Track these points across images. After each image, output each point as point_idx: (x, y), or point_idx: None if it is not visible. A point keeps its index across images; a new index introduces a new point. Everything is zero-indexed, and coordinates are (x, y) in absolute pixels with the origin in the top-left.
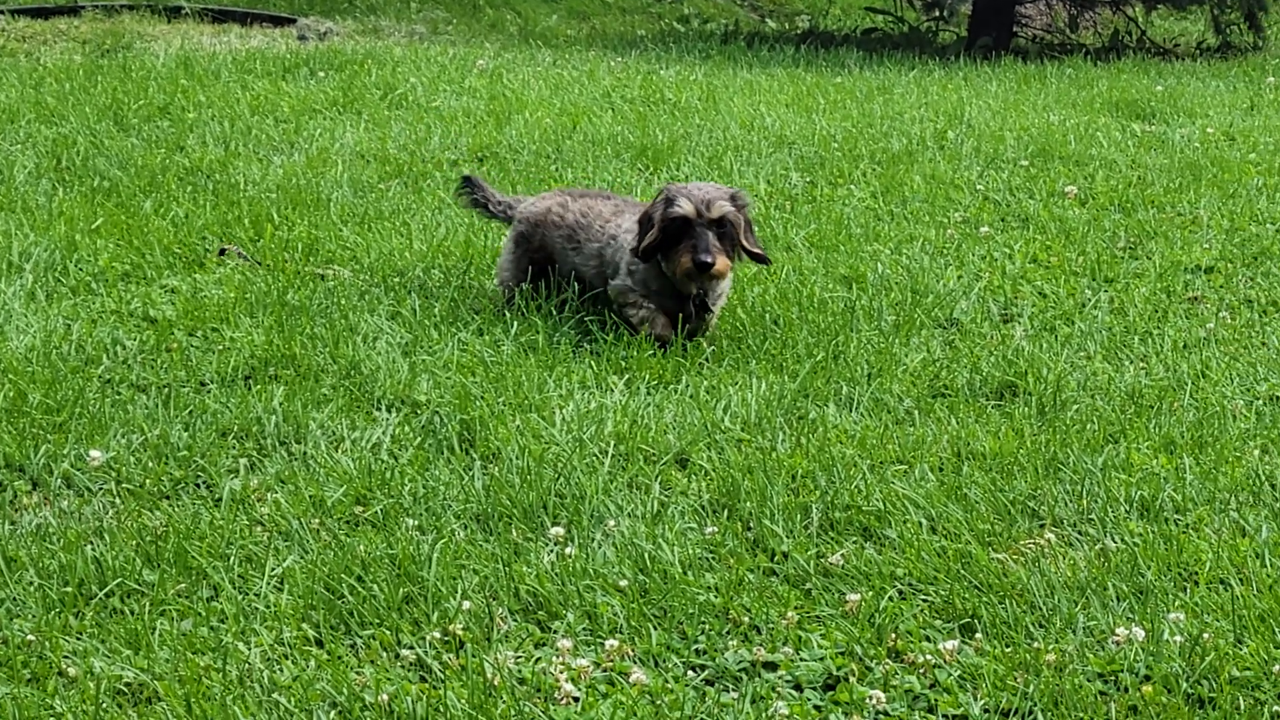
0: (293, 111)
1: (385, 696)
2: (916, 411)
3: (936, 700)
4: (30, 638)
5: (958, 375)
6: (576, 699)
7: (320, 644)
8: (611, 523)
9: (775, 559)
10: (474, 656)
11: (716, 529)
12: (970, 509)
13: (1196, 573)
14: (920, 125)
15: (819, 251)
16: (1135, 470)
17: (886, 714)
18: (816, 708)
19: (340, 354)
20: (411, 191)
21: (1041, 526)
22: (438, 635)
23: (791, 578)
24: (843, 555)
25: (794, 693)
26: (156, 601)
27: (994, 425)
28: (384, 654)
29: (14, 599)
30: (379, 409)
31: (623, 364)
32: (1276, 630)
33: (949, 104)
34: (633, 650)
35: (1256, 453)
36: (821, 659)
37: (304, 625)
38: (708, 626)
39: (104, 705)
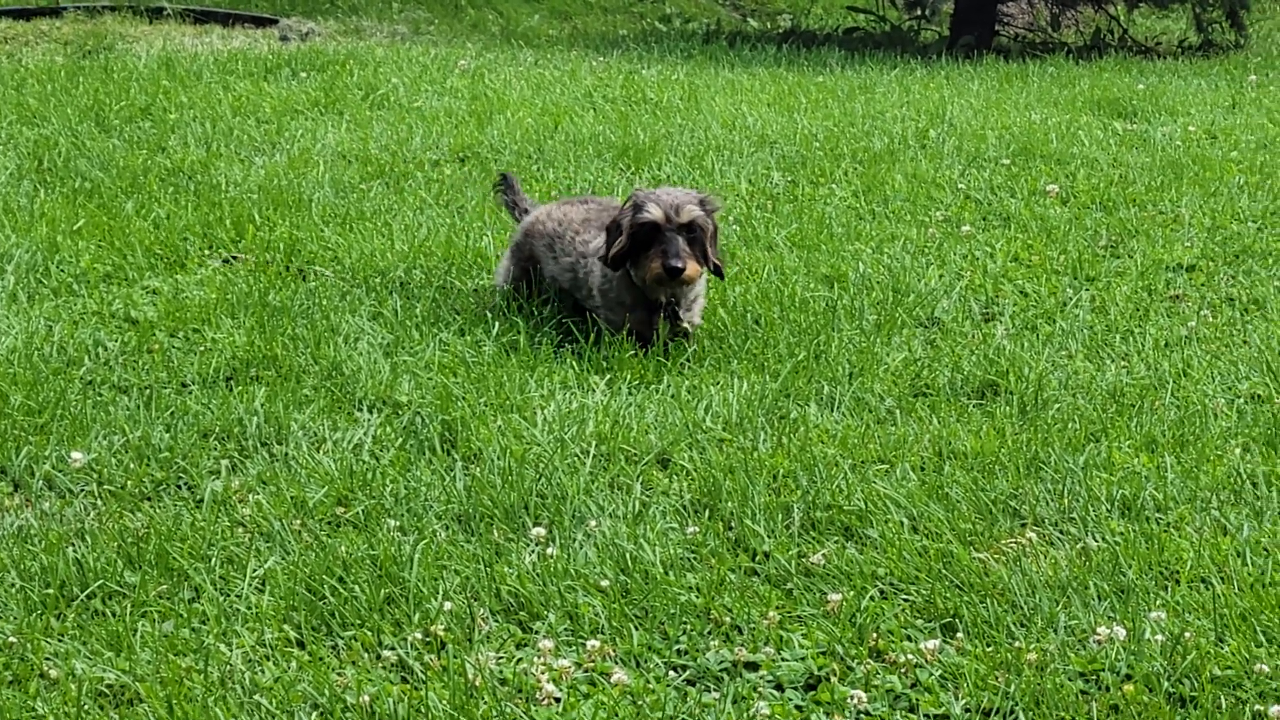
0: (274, 112)
1: (367, 697)
2: (898, 411)
3: (918, 700)
4: (11, 639)
5: (939, 374)
6: (558, 699)
7: (302, 645)
8: (593, 523)
9: (757, 559)
10: (455, 657)
11: (698, 529)
12: (952, 508)
13: (1178, 571)
14: (902, 124)
15: (800, 251)
16: (1117, 469)
17: (868, 714)
18: (798, 708)
19: (322, 355)
20: (393, 192)
21: (1023, 526)
22: (419, 636)
23: (773, 578)
24: (824, 555)
25: (775, 693)
26: (138, 603)
27: (975, 424)
28: (365, 655)
29: None
30: (360, 410)
31: (604, 364)
32: (1258, 629)
33: (931, 103)
34: (614, 650)
35: (1238, 451)
36: (803, 659)
37: (285, 626)
38: (689, 627)
39: (86, 707)
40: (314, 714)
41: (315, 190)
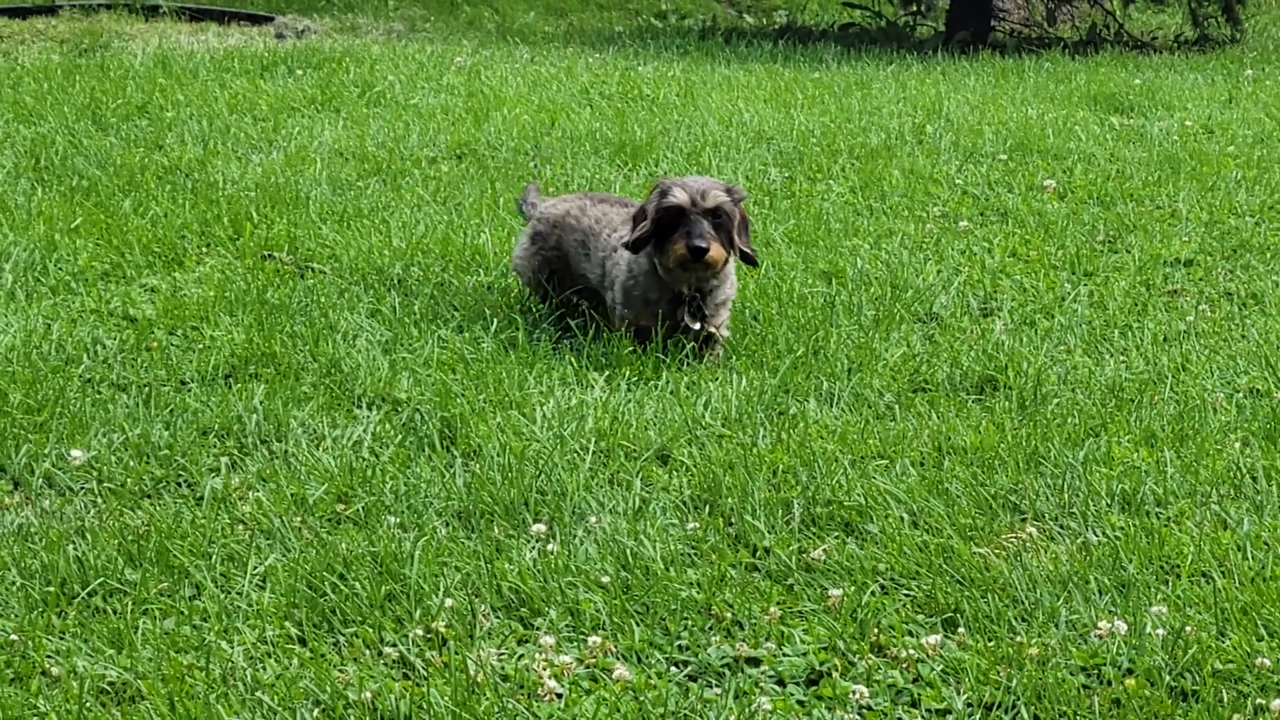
0: (271, 110)
1: (368, 694)
2: (897, 406)
3: (919, 695)
4: (13, 637)
5: (938, 370)
6: (560, 695)
7: (303, 642)
8: (593, 519)
9: (757, 554)
10: (457, 654)
11: (698, 525)
12: (951, 503)
13: (1178, 566)
14: (898, 120)
15: (798, 247)
16: (1116, 464)
17: (870, 709)
18: (800, 703)
19: (320, 352)
20: (390, 189)
21: (1023, 520)
22: (420, 633)
23: (774, 573)
24: (825, 550)
25: (777, 688)
26: (139, 600)
27: (975, 419)
28: (367, 652)
29: None
30: (360, 407)
31: (603, 360)
32: (1259, 623)
33: (927, 99)
34: (615, 646)
35: (1237, 445)
36: (804, 654)
37: (286, 623)
38: (690, 622)
39: (87, 705)
40: (316, 711)
41: (312, 188)
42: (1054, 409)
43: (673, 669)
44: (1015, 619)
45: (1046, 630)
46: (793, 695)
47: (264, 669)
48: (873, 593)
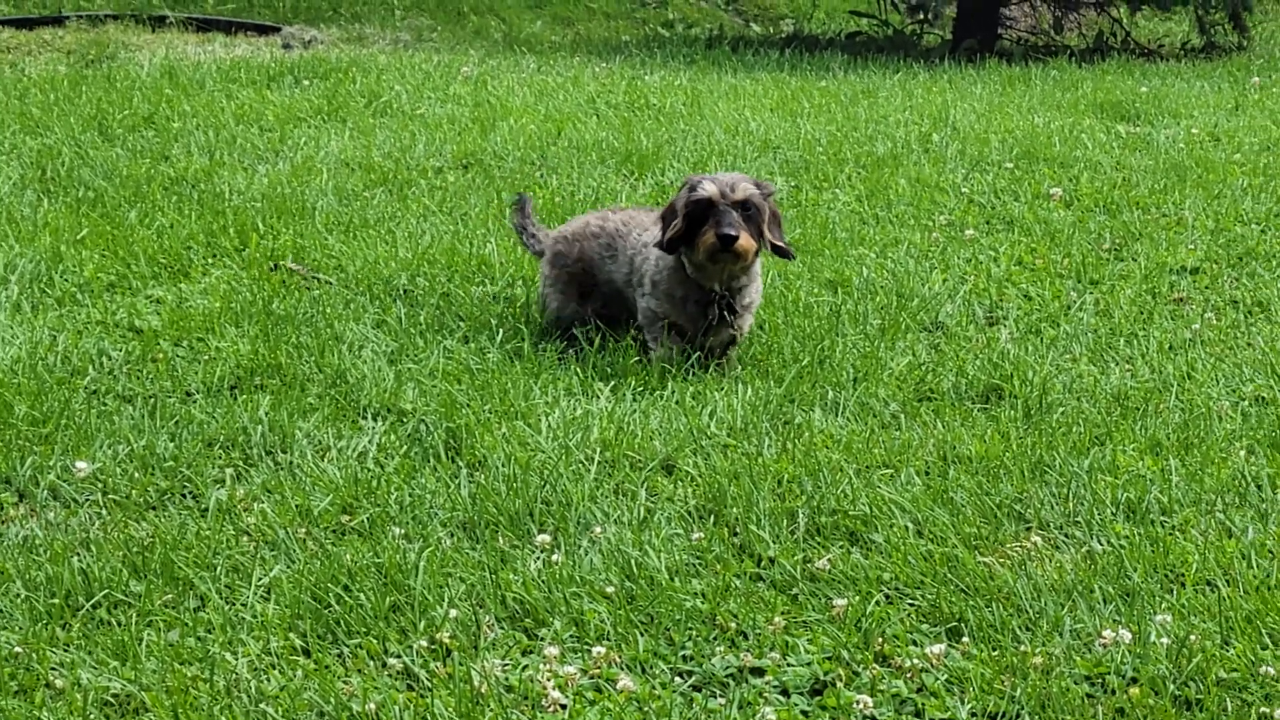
0: (277, 120)
1: (373, 706)
2: (902, 415)
3: (924, 704)
4: (17, 649)
5: (943, 379)
6: (564, 706)
7: (307, 653)
8: (598, 529)
9: (762, 564)
10: (461, 665)
11: (703, 535)
12: (956, 513)
13: (1183, 574)
14: (905, 128)
15: (804, 256)
16: (1121, 472)
17: (874, 719)
18: (804, 713)
19: (326, 363)
20: (396, 199)
21: (1028, 529)
22: (425, 644)
23: (778, 583)
24: (829, 560)
25: (781, 698)
26: (143, 612)
27: (980, 429)
28: (371, 663)
29: (1, 611)
30: (365, 417)
31: (608, 370)
32: (1263, 631)
33: (934, 107)
34: (620, 657)
35: (1242, 454)
36: (808, 664)
37: (291, 635)
38: (695, 632)
39: (92, 717)
40: None
41: (319, 198)
42: (1059, 418)
43: (677, 679)
44: (1020, 628)
45: (1051, 639)
46: (797, 705)
47: (268, 680)
48: (877, 602)
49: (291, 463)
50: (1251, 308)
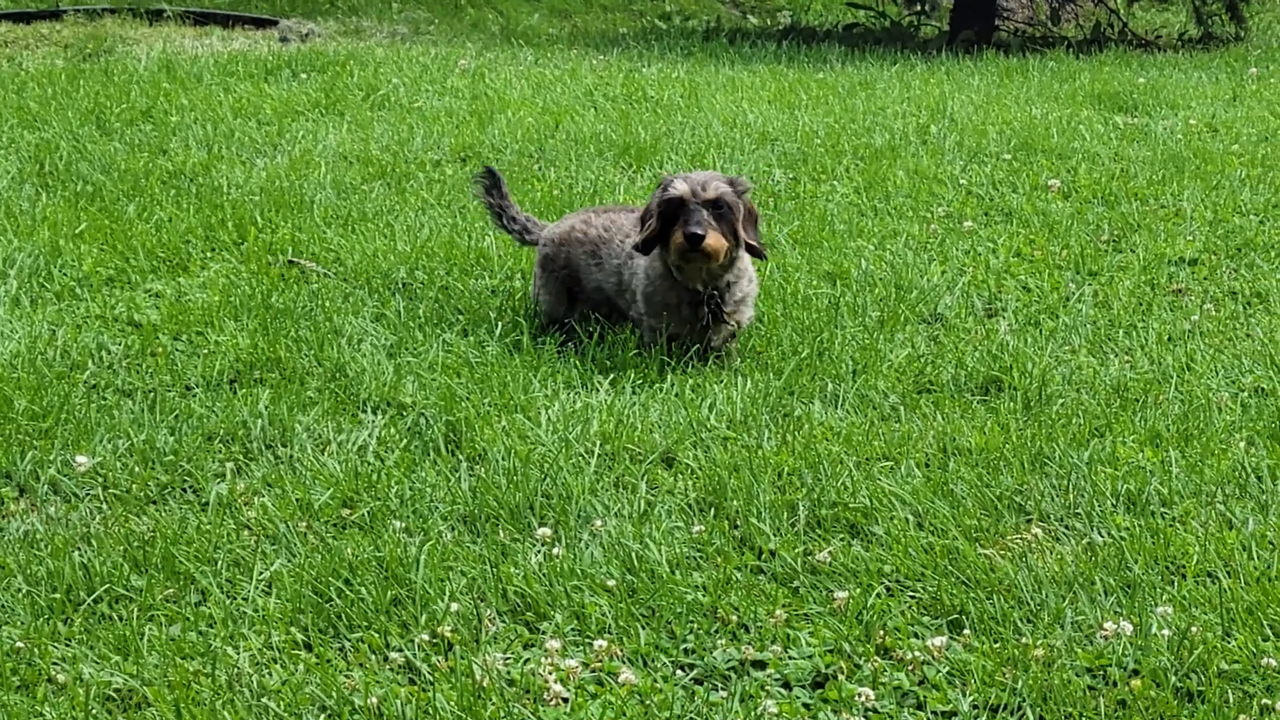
0: (275, 113)
1: (374, 699)
2: (902, 407)
3: (925, 697)
4: (19, 644)
5: (943, 370)
6: (566, 700)
7: (309, 647)
8: (598, 522)
9: (762, 557)
10: (463, 658)
11: (703, 528)
12: (957, 505)
13: (1184, 566)
14: (903, 120)
15: (803, 248)
16: (1121, 464)
17: (876, 711)
18: (805, 706)
19: (325, 356)
20: (395, 193)
21: (1028, 521)
22: (426, 637)
23: (779, 576)
24: (830, 553)
25: (783, 691)
26: (145, 607)
27: (979, 420)
28: (373, 657)
29: (2, 606)
30: (364, 411)
31: (608, 363)
32: (1264, 623)
33: (931, 98)
34: (621, 650)
35: (1242, 445)
36: (810, 657)
37: (292, 629)
38: (696, 625)
39: (93, 711)
40: (322, 716)
41: (317, 191)
42: (1059, 409)
43: (678, 672)
44: (1021, 620)
45: (1052, 631)
46: (798, 698)
47: (270, 675)
48: (878, 595)
49: (292, 456)
50: (1250, 299)
